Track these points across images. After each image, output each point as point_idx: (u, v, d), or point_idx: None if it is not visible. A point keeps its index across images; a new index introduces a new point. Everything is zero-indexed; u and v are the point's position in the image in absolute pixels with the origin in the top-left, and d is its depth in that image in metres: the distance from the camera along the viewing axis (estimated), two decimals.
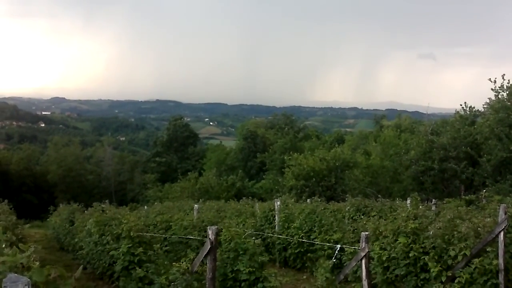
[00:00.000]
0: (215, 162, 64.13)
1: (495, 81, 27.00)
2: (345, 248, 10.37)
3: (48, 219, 26.16)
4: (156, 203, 33.02)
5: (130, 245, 9.39)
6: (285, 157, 39.01)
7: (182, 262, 7.86)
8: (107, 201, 16.51)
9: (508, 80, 26.65)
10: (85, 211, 16.14)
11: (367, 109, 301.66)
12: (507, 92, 26.65)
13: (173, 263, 8.18)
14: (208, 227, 7.62)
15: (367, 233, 8.45)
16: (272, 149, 56.80)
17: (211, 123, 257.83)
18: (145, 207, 29.36)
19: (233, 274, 8.36)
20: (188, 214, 16.87)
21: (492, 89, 27.17)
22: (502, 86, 26.80)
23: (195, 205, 16.01)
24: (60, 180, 57.26)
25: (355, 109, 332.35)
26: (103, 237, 11.21)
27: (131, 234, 9.57)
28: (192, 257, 8.11)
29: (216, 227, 7.79)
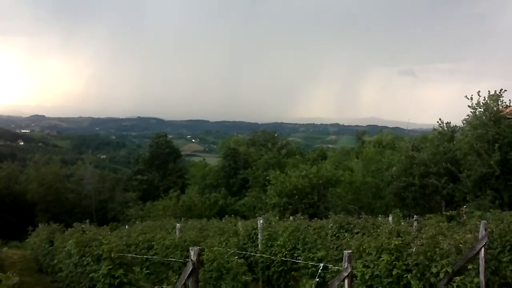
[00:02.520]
0: (200, 178, 63.75)
1: (471, 98, 27.50)
2: (328, 267, 10.33)
3: (27, 240, 25.64)
4: (137, 222, 32.63)
5: (110, 267, 9.19)
6: (268, 174, 38.98)
7: (164, 285, 7.74)
8: (87, 221, 16.26)
9: (484, 97, 27.17)
10: (65, 231, 15.85)
11: (348, 125, 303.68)
12: (483, 109, 27.14)
13: (155, 287, 8.04)
14: (190, 248, 7.51)
15: (349, 251, 8.43)
16: (255, 165, 56.68)
17: (193, 140, 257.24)
18: (126, 226, 28.96)
19: None
20: (170, 233, 16.70)
21: (469, 106, 27.67)
22: (478, 102, 27.30)
23: (177, 224, 15.87)
24: (40, 199, 56.21)
25: (336, 125, 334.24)
26: (83, 258, 11.00)
27: (112, 255, 9.38)
28: (174, 280, 7.99)
29: (199, 248, 7.69)
